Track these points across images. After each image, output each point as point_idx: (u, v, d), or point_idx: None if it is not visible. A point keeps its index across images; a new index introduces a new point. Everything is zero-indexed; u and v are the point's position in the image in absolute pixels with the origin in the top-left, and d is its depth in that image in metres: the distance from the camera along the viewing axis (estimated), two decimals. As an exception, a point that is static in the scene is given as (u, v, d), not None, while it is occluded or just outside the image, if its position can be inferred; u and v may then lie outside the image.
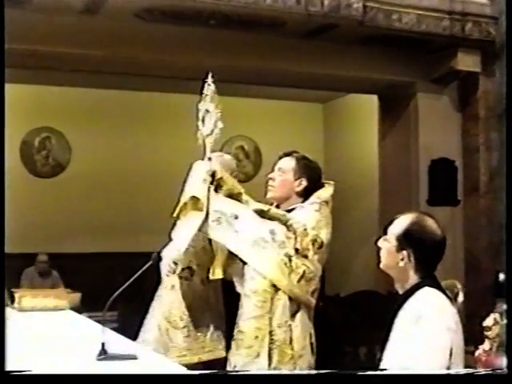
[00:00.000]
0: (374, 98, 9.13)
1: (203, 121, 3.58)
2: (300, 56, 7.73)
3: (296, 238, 3.42)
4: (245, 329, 3.37)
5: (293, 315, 3.41)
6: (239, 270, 3.51)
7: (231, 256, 3.56)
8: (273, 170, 3.74)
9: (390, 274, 2.81)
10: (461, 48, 8.04)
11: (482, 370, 3.12)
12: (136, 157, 10.41)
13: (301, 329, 3.42)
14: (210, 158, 3.56)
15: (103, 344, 2.91)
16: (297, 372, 3.23)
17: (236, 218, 3.44)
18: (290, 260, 3.39)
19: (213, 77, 3.60)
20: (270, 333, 3.34)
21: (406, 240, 2.72)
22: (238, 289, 3.53)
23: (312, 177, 3.67)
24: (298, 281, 3.39)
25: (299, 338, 3.40)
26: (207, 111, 3.57)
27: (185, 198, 3.55)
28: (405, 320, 2.64)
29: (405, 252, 2.71)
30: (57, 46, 6.99)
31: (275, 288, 3.37)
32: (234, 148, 10.89)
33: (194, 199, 3.52)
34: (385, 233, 2.81)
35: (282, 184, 3.66)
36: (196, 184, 3.53)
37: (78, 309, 4.96)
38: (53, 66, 7.70)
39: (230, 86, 8.24)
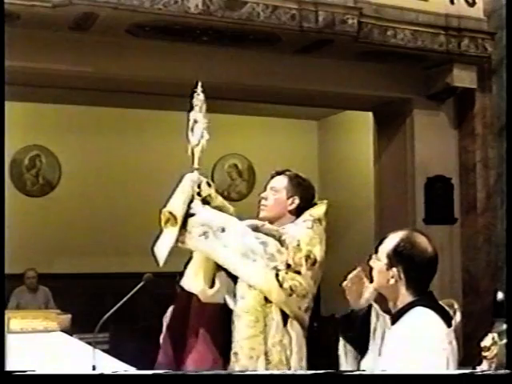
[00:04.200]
0: (369, 115, 9.05)
1: (192, 130, 3.59)
2: (294, 72, 7.68)
3: (288, 254, 3.39)
4: (239, 350, 3.35)
5: (288, 335, 3.38)
6: (230, 288, 3.47)
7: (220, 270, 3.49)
8: (265, 189, 3.71)
9: (383, 293, 2.78)
10: (457, 64, 8.01)
11: (482, 371, 3.07)
12: (126, 175, 10.31)
13: (297, 349, 3.38)
14: (197, 169, 3.54)
15: (94, 367, 2.85)
16: (295, 372, 3.20)
17: (223, 230, 3.41)
18: (278, 274, 3.35)
19: (202, 86, 3.62)
20: (266, 353, 3.33)
21: (396, 257, 2.68)
22: (231, 305, 3.47)
23: (304, 195, 3.64)
24: (289, 295, 3.36)
25: (295, 358, 3.37)
26: (195, 121, 3.59)
27: (165, 210, 3.48)
28: (396, 340, 2.61)
29: (395, 269, 2.68)
30: (47, 62, 6.93)
31: (266, 306, 3.36)
32: (227, 166, 10.64)
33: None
34: (376, 252, 2.78)
35: (275, 203, 3.63)
36: (175, 197, 3.48)
37: (68, 330, 4.88)
38: (43, 82, 7.64)
39: (222, 103, 8.18)
